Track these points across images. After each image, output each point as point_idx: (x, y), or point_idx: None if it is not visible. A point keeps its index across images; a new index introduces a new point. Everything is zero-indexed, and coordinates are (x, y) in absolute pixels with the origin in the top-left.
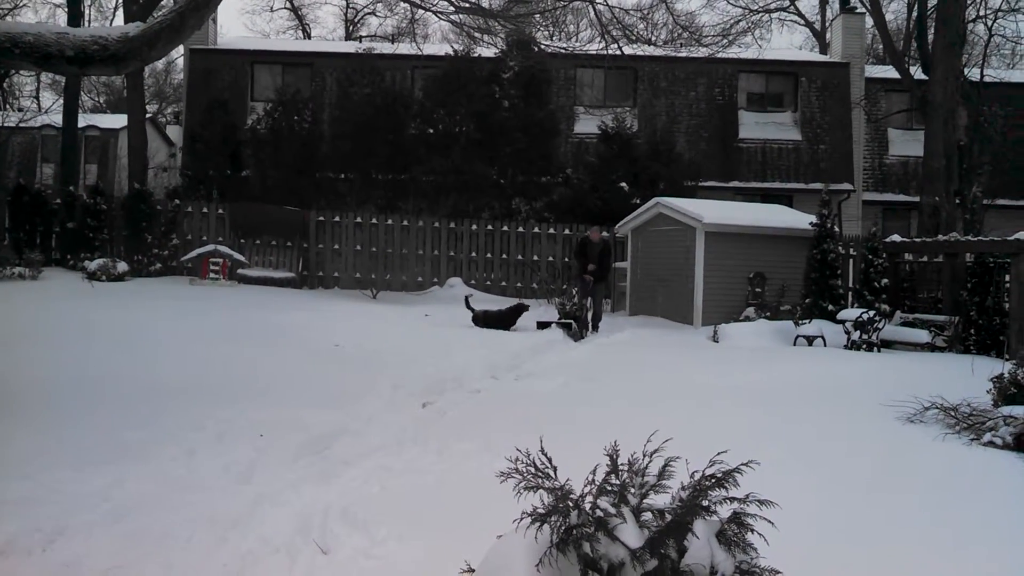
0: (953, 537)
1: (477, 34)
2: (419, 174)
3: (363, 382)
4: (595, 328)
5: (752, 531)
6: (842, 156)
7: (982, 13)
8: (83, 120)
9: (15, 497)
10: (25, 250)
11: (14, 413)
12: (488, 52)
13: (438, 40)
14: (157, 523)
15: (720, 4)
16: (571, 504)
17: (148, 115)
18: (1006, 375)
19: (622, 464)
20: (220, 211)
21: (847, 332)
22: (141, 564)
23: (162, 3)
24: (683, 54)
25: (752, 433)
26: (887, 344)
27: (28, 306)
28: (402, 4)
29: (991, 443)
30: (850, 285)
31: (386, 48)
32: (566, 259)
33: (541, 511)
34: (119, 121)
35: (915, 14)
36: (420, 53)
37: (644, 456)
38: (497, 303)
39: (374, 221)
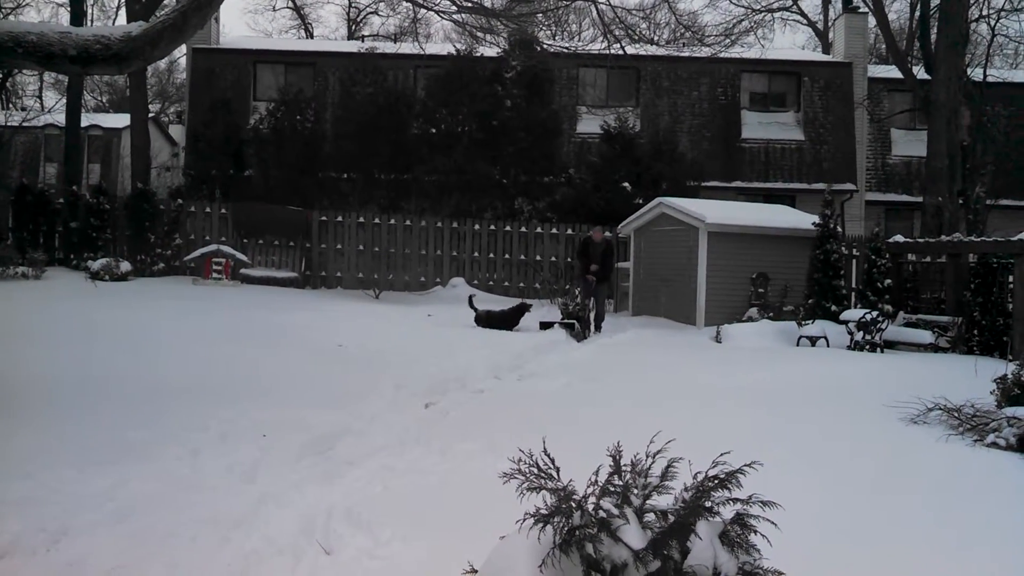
0: (956, 538)
1: (479, 33)
2: (422, 174)
3: (366, 382)
4: (598, 328)
5: (755, 532)
6: (845, 156)
7: (985, 12)
8: (86, 119)
9: (19, 497)
10: (28, 250)
11: (17, 412)
12: (491, 52)
13: (441, 39)
14: (161, 523)
15: (723, 4)
16: (574, 505)
17: (151, 114)
18: (1010, 376)
19: (625, 465)
20: (223, 211)
21: (850, 333)
22: (145, 564)
23: (165, 2)
24: (686, 54)
25: (755, 434)
26: (890, 345)
27: (31, 306)
28: (404, 3)
29: (994, 444)
30: (853, 285)
31: (388, 48)
32: (569, 259)
33: (544, 512)
34: (122, 120)
35: (918, 13)
36: (422, 53)
37: (647, 457)
38: (500, 303)
39: (377, 221)
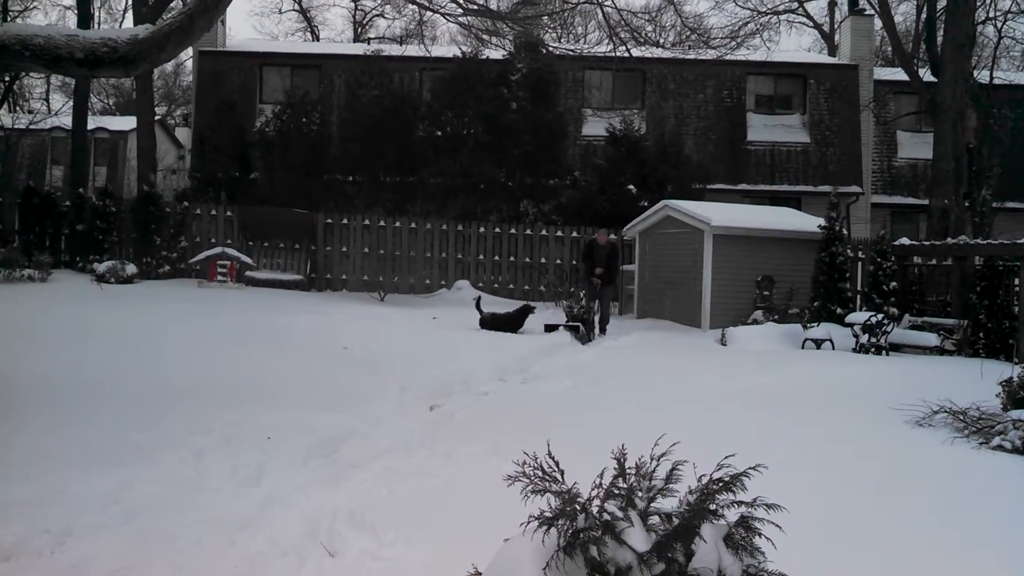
0: (961, 541)
1: (485, 36)
2: (427, 176)
3: (371, 385)
4: (602, 331)
5: (759, 535)
6: (851, 159)
7: (992, 15)
8: (92, 122)
9: (23, 498)
10: (34, 252)
11: (21, 414)
12: (496, 54)
13: (446, 42)
14: (166, 525)
15: (728, 6)
16: (578, 508)
17: (157, 117)
18: (1015, 379)
19: (629, 468)
20: (228, 213)
21: (855, 335)
22: (149, 565)
23: (172, 5)
24: (691, 56)
25: (760, 436)
26: (896, 347)
27: (36, 308)
28: (410, 6)
29: (1000, 447)
30: (859, 288)
31: (394, 50)
32: (574, 262)
33: (548, 514)
34: (128, 123)
35: (924, 16)
36: (428, 55)
37: (651, 460)
38: (505, 306)
39: (382, 223)
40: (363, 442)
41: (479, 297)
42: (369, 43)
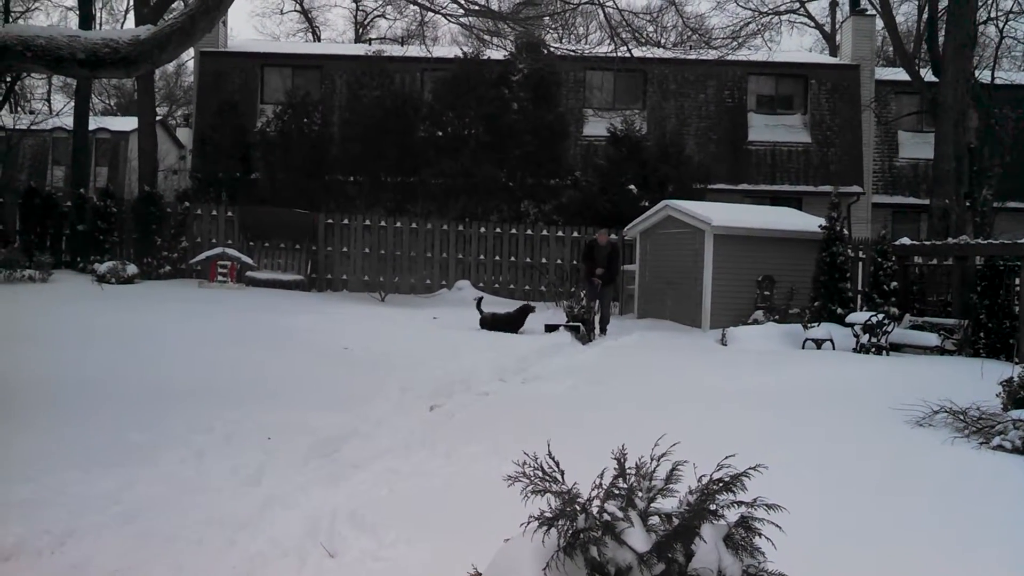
0: (961, 540)
1: (486, 36)
2: (428, 177)
3: (371, 385)
4: (603, 331)
5: (760, 535)
6: (852, 159)
7: (993, 15)
8: (94, 123)
9: (23, 499)
10: (35, 252)
11: (22, 414)
12: (497, 55)
13: (447, 43)
14: (166, 525)
15: (730, 6)
16: (578, 508)
17: (158, 118)
18: (1016, 379)
19: (629, 468)
20: (229, 213)
21: (856, 335)
22: (150, 566)
23: (173, 6)
24: (693, 56)
25: (761, 436)
26: (896, 347)
27: (37, 308)
28: (411, 7)
29: (1000, 447)
30: (859, 288)
31: (396, 51)
32: (574, 262)
33: (548, 515)
34: (130, 124)
35: (926, 16)
36: (429, 56)
37: (652, 460)
38: (505, 306)
39: (383, 224)
40: (363, 442)
41: (480, 298)
42: (370, 44)
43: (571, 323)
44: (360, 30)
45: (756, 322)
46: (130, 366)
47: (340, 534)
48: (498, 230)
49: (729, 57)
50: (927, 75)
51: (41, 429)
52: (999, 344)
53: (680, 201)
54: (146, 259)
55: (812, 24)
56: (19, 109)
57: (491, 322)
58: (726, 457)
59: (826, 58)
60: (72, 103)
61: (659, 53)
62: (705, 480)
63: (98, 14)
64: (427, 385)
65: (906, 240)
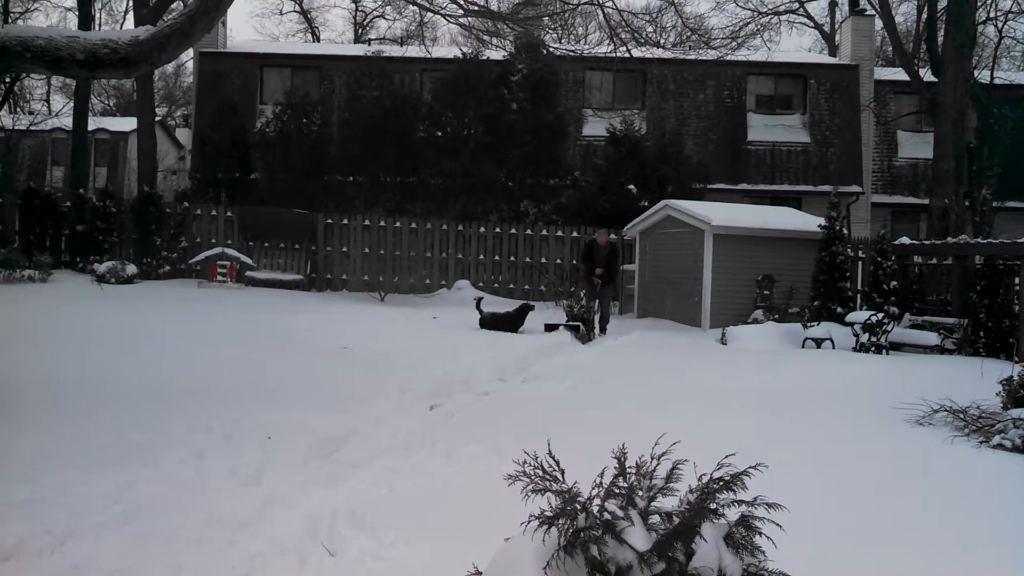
0: (961, 539)
1: (486, 37)
2: (427, 177)
3: (371, 384)
4: (603, 330)
5: (760, 534)
6: (851, 158)
7: (992, 15)
8: (93, 123)
9: (24, 499)
10: (35, 253)
11: (22, 415)
12: (497, 55)
13: (447, 43)
14: (166, 525)
15: (729, 6)
16: (579, 507)
17: (158, 118)
18: (1016, 378)
19: (630, 467)
20: (229, 214)
21: (856, 335)
22: (150, 566)
23: (173, 6)
24: (692, 57)
25: (760, 435)
26: (896, 347)
27: (37, 308)
28: (410, 7)
29: (1000, 446)
30: (859, 287)
31: (395, 51)
32: (574, 261)
33: (549, 514)
34: (129, 124)
35: (925, 16)
36: (429, 56)
37: (652, 459)
38: (505, 305)
39: (382, 224)
40: (363, 442)
41: (480, 298)
42: (370, 44)
43: (571, 323)
44: (359, 30)
45: (756, 321)
46: (130, 366)
47: (340, 534)
48: (498, 230)
49: (728, 57)
50: (926, 75)
51: (41, 429)
52: (999, 343)
53: (680, 201)
54: (145, 259)
55: (811, 24)
56: (18, 109)
57: (491, 322)
58: (726, 456)
59: (825, 58)
60: (71, 103)
61: (658, 53)
62: (705, 479)
63: (97, 15)
64: (427, 385)
65: (905, 239)
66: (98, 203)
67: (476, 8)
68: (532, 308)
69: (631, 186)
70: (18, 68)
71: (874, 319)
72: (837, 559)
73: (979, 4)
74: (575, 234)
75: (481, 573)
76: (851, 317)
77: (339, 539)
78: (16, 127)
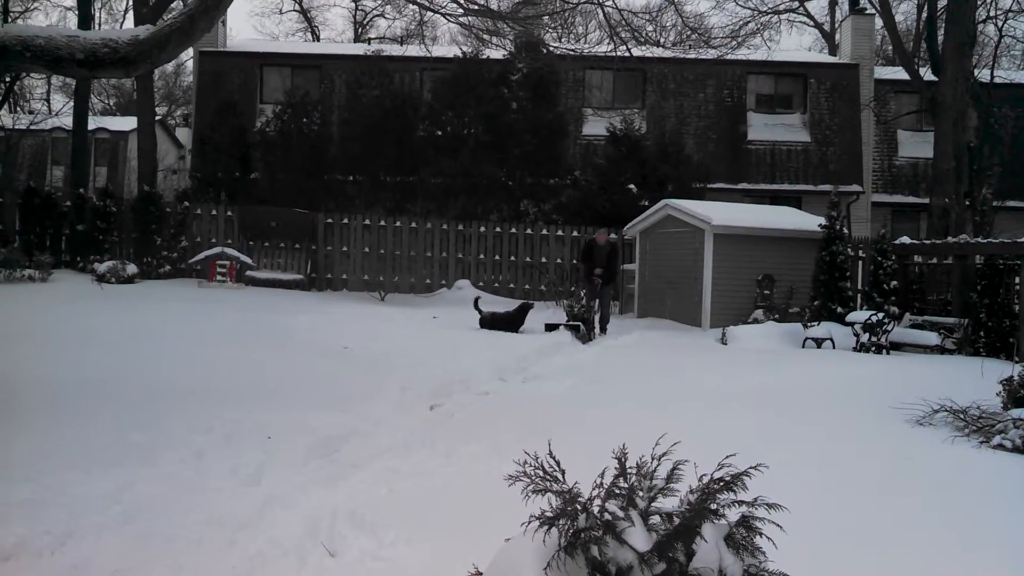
0: (962, 540)
1: (486, 36)
2: (427, 176)
3: (371, 384)
4: (603, 330)
5: (760, 534)
6: (851, 158)
7: (992, 14)
8: (93, 123)
9: (24, 499)
10: (35, 252)
11: (22, 415)
12: (497, 54)
13: (447, 42)
14: (166, 525)
15: (729, 5)
16: (579, 507)
17: (158, 117)
18: (1016, 378)
19: (630, 467)
20: (229, 213)
21: (856, 334)
22: (150, 566)
23: (172, 5)
24: (692, 56)
25: (761, 435)
26: (896, 346)
27: (37, 308)
28: (411, 6)
29: (1000, 446)
30: (859, 287)
31: (395, 50)
32: (574, 261)
33: (549, 514)
34: (129, 123)
35: (925, 15)
36: (429, 55)
37: (652, 459)
38: (505, 305)
39: (382, 223)
40: (363, 442)
41: (478, 297)
42: (370, 43)
43: (571, 322)
44: (359, 30)
45: (756, 321)
46: (130, 366)
47: (340, 534)
48: (498, 229)
49: (728, 56)
50: (926, 74)
51: (41, 429)
52: (999, 343)
53: (680, 200)
54: (146, 259)
55: (811, 23)
56: (18, 109)
57: (491, 321)
58: (727, 456)
59: (825, 57)
60: (71, 103)
61: (658, 52)
62: (706, 479)
63: (97, 14)
64: (427, 385)
65: (906, 239)
66: (98, 202)
67: (476, 7)
68: (532, 307)
69: (631, 185)
70: (18, 67)
71: (874, 319)
72: (838, 559)
73: (979, 3)
74: (575, 234)
75: (481, 573)
76: (851, 317)
77: (339, 539)
78: (16, 126)
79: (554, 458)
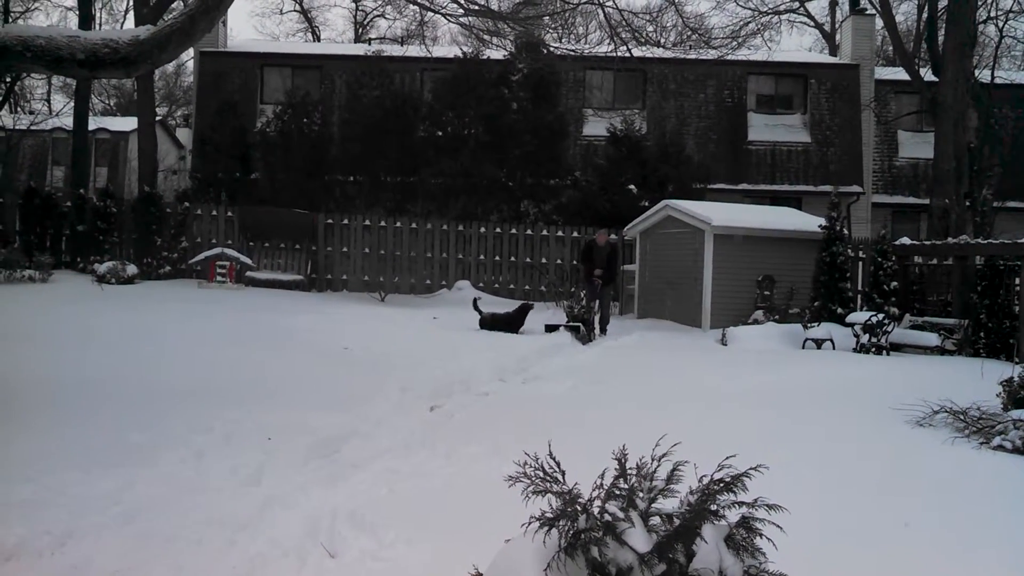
0: (961, 541)
1: (486, 36)
2: (428, 176)
3: (371, 385)
4: (603, 331)
5: (761, 535)
6: (851, 158)
7: (993, 14)
8: (93, 123)
9: (24, 499)
10: (35, 253)
11: (22, 415)
12: (497, 54)
13: (447, 42)
14: (166, 525)
15: (729, 6)
16: (579, 508)
17: (158, 118)
18: (1016, 379)
19: (630, 468)
20: (229, 214)
21: (856, 335)
22: (150, 566)
23: (173, 6)
24: (692, 56)
25: (761, 436)
26: (896, 347)
27: (37, 309)
28: (411, 7)
29: (1000, 447)
30: (859, 288)
31: (395, 50)
32: (574, 262)
33: (549, 515)
34: (129, 124)
35: (925, 15)
36: (429, 55)
37: (652, 460)
38: (505, 306)
39: (383, 224)
40: (363, 442)
41: (477, 297)
42: (370, 43)
43: (571, 323)
44: (360, 30)
45: (756, 322)
46: (130, 366)
47: (340, 534)
48: (498, 230)
49: (729, 57)
50: (927, 74)
51: (41, 429)
52: (999, 344)
53: (680, 201)
54: (146, 259)
55: (812, 24)
56: (19, 109)
57: (491, 322)
58: (727, 457)
59: (826, 58)
60: (72, 103)
61: (659, 53)
62: (706, 480)
63: (98, 14)
64: (427, 385)
65: (906, 240)
66: (98, 203)
67: (476, 7)
68: (532, 307)
69: (631, 186)
70: (18, 68)
71: (874, 320)
72: (838, 560)
73: (980, 3)
74: (575, 234)
75: (482, 574)
76: (851, 318)
77: (339, 539)
78: (17, 127)
79: (554, 459)
